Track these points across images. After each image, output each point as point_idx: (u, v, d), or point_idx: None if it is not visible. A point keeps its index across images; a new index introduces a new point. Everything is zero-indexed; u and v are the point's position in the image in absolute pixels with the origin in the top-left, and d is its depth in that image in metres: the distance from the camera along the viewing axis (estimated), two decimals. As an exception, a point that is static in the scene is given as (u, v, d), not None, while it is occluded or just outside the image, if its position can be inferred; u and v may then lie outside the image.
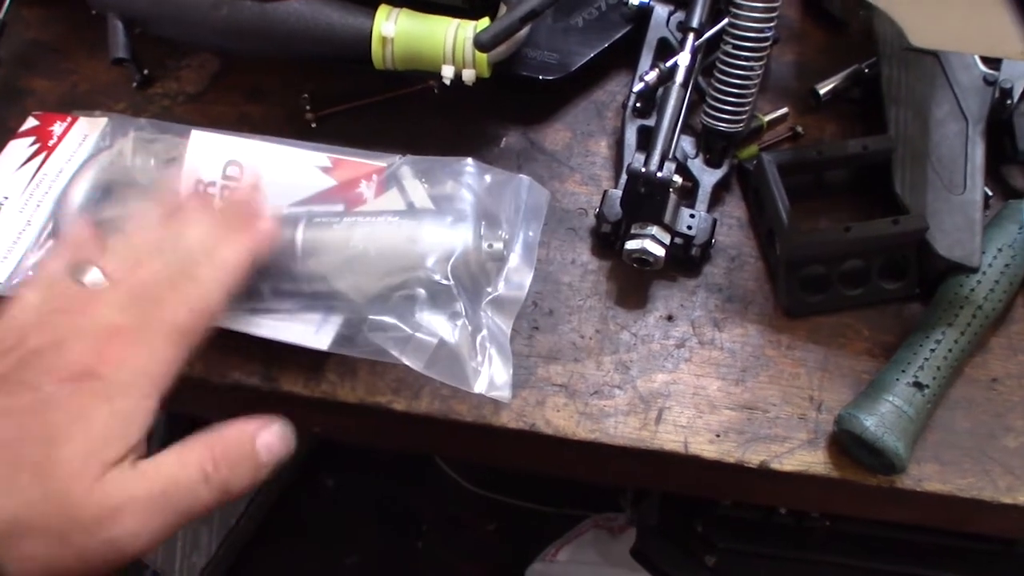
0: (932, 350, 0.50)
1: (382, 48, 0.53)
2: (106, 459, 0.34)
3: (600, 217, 0.54)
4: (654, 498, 0.80)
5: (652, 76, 0.56)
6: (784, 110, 0.61)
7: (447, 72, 0.53)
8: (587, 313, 0.54)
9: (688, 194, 0.55)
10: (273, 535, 1.21)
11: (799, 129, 0.61)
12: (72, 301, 0.38)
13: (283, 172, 0.49)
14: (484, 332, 0.47)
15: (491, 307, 0.48)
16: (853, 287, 0.54)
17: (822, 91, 0.61)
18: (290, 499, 1.22)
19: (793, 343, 0.53)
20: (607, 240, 0.55)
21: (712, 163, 0.57)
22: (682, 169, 0.54)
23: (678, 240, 0.53)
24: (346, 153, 0.50)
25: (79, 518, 0.33)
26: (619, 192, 0.53)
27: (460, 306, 0.46)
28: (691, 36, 0.56)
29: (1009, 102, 0.57)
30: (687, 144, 0.57)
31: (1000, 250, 0.52)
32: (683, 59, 0.55)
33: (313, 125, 0.60)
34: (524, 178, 0.51)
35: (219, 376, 0.51)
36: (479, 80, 0.53)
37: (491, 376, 0.46)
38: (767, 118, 0.60)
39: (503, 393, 0.46)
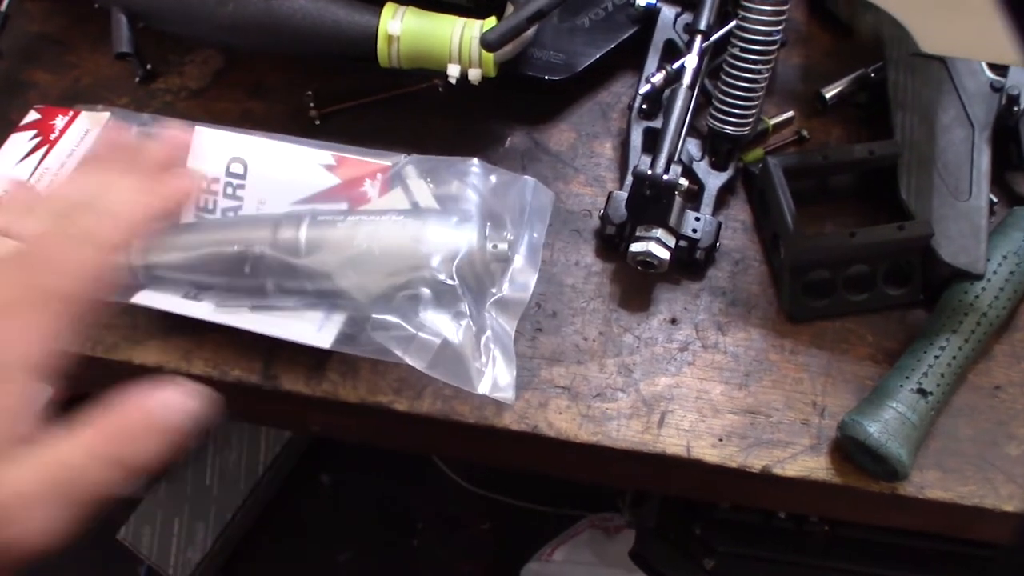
0: (936, 357, 0.50)
1: (387, 46, 0.52)
2: None
3: (604, 219, 0.54)
4: (653, 501, 0.79)
5: (659, 78, 0.56)
6: (790, 113, 0.60)
7: (453, 71, 0.52)
8: (591, 315, 0.54)
9: (693, 197, 0.55)
10: (269, 531, 1.21)
11: (805, 133, 0.61)
12: None
13: (287, 169, 0.49)
14: (488, 333, 0.47)
15: (495, 308, 0.48)
16: (857, 292, 0.54)
17: (828, 95, 0.61)
18: (287, 495, 1.22)
19: (796, 348, 0.53)
20: (611, 242, 0.55)
21: (717, 166, 0.56)
22: (687, 172, 0.54)
23: (683, 243, 0.53)
24: (350, 151, 0.49)
25: None
26: (624, 194, 0.53)
27: (464, 306, 0.45)
28: (698, 38, 0.56)
29: (1016, 109, 0.57)
30: (692, 147, 0.57)
31: (1005, 257, 0.52)
32: (690, 61, 0.55)
33: (317, 122, 0.60)
34: (529, 179, 0.51)
35: (220, 373, 0.51)
36: (484, 80, 0.53)
37: (495, 377, 0.46)
38: (773, 121, 0.60)
39: (507, 394, 0.46)
